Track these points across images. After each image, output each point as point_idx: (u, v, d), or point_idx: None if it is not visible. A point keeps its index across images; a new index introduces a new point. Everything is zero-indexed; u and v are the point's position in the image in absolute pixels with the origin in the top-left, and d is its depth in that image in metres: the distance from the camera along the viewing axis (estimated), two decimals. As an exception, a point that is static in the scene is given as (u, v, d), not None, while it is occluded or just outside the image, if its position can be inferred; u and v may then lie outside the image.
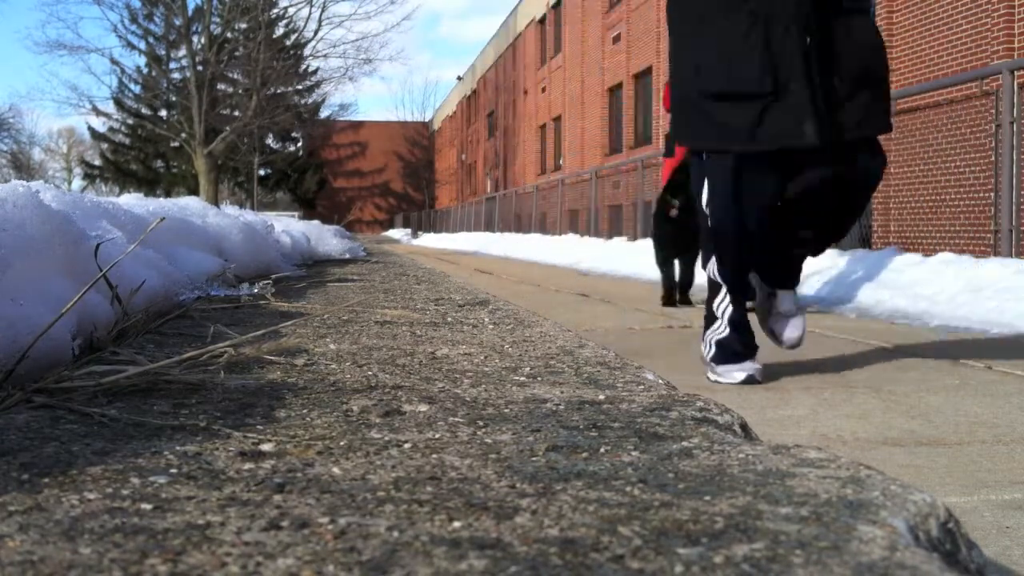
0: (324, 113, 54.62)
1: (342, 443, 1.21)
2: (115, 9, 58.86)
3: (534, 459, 1.13)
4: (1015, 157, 7.29)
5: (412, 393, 1.58)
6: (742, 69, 3.30)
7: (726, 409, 1.46)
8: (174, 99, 44.21)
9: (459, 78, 59.43)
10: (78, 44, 48.92)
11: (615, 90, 27.67)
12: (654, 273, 10.83)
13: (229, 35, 41.80)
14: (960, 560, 0.92)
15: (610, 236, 18.96)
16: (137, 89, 48.90)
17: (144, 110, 49.48)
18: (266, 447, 1.19)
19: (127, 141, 53.27)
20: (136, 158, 53.06)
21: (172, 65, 46.20)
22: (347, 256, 8.82)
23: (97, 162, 56.37)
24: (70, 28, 78.29)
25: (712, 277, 3.69)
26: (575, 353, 2.10)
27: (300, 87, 49.38)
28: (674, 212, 6.83)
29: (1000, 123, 7.51)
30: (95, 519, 0.89)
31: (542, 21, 37.67)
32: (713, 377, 3.60)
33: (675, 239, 7.10)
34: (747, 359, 3.58)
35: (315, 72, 48.94)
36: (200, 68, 40.73)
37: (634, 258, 12.63)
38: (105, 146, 54.75)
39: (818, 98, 3.26)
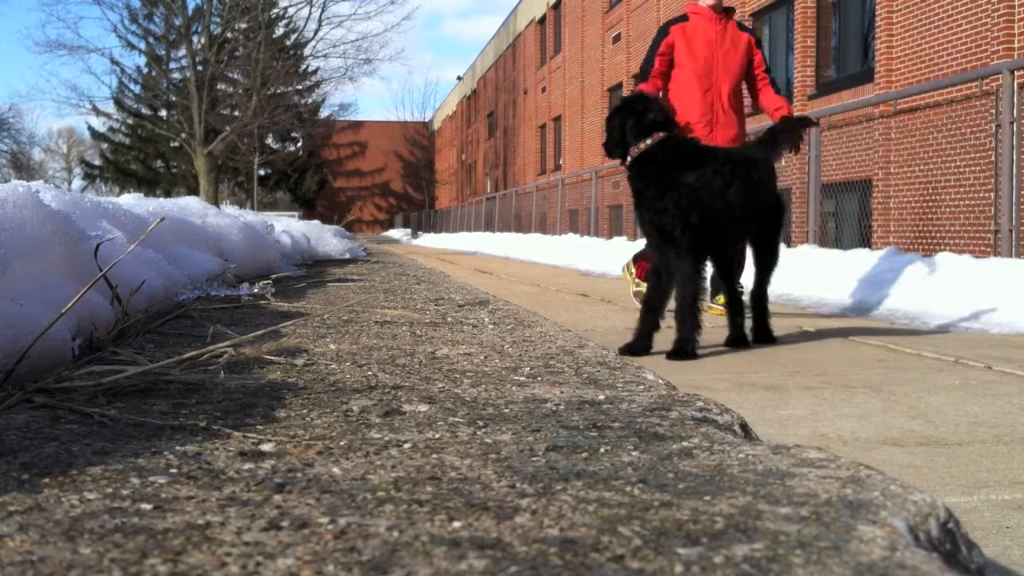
0: (324, 113, 54.61)
1: (342, 443, 1.21)
2: (115, 9, 59.05)
3: (534, 459, 1.13)
4: (1015, 157, 7.28)
5: (412, 393, 1.58)
6: None
7: (726, 409, 1.46)
8: (174, 99, 44.21)
9: (459, 78, 59.42)
10: (78, 44, 49.04)
11: (615, 90, 27.66)
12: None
13: (229, 35, 41.80)
14: (960, 560, 0.91)
15: (610, 236, 18.94)
16: (137, 89, 48.91)
17: (144, 110, 49.47)
18: (266, 447, 1.19)
19: (127, 141, 53.24)
20: (136, 158, 53.04)
21: (172, 65, 46.23)
22: (347, 256, 8.82)
23: (97, 162, 56.36)
24: (70, 28, 78.43)
25: None
26: (575, 353, 2.10)
27: (300, 87, 49.33)
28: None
29: (1000, 123, 7.50)
30: (95, 519, 0.89)
31: (542, 21, 37.65)
32: None
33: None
34: None
35: (315, 72, 48.95)
36: (200, 68, 40.73)
37: (634, 258, 12.59)
38: (105, 146, 54.74)
39: None
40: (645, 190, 4.14)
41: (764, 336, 4.53)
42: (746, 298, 4.70)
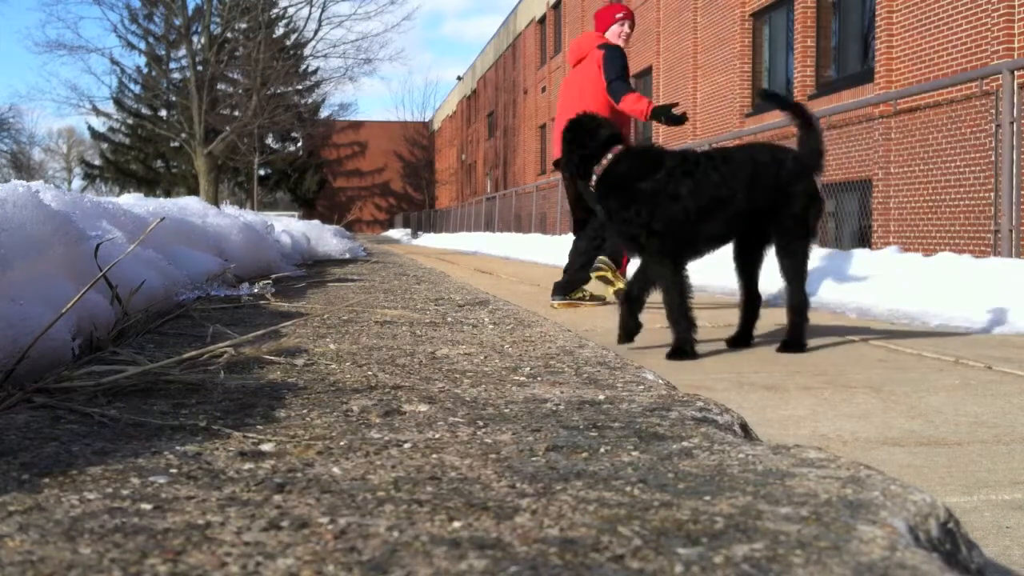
0: (324, 113, 54.64)
1: (342, 443, 1.21)
2: (115, 9, 59.22)
3: (534, 459, 1.13)
4: (1015, 157, 7.28)
5: (412, 393, 1.58)
6: None
7: (726, 409, 1.46)
8: (174, 99, 44.26)
9: (459, 78, 59.44)
10: (78, 44, 49.23)
11: (615, 90, 27.61)
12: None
13: (229, 35, 41.83)
14: (960, 560, 0.91)
15: (610, 236, 18.89)
16: (137, 89, 48.97)
17: (144, 110, 49.52)
18: (266, 447, 1.19)
19: (127, 141, 53.28)
20: (136, 158, 53.07)
21: (172, 65, 46.27)
22: (347, 256, 8.82)
23: (97, 162, 56.39)
24: (70, 28, 78.56)
25: None
26: (575, 353, 2.10)
27: (300, 87, 49.37)
28: None
29: (1000, 123, 7.50)
30: (95, 519, 0.89)
31: (542, 21, 37.69)
32: None
33: None
34: None
35: (315, 72, 48.99)
36: (200, 68, 40.76)
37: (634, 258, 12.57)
38: (105, 146, 54.78)
39: None
40: (608, 202, 4.27)
41: (786, 345, 4.35)
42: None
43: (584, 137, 4.36)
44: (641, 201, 4.14)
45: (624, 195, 4.18)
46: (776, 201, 4.35)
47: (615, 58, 6.44)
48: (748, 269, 4.53)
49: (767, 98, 4.76)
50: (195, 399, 1.49)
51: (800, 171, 4.41)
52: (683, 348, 4.07)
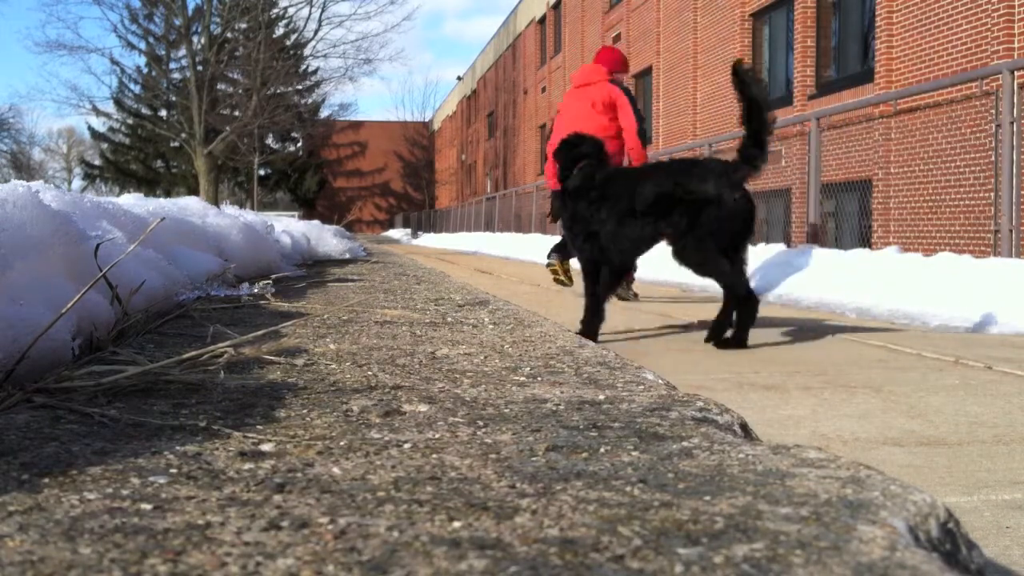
0: (324, 113, 54.60)
1: (342, 443, 1.21)
2: (115, 9, 59.26)
3: (534, 459, 1.13)
4: (1015, 157, 7.28)
5: (412, 393, 1.58)
6: None
7: (726, 409, 1.46)
8: (174, 99, 44.24)
9: (459, 78, 59.43)
10: (78, 44, 49.28)
11: (615, 90, 27.58)
12: (653, 274, 10.90)
13: (229, 35, 41.82)
14: (960, 560, 0.91)
15: (610, 236, 18.87)
16: (137, 89, 48.95)
17: (144, 110, 49.49)
18: (266, 447, 1.19)
19: (127, 141, 53.23)
20: (136, 158, 53.03)
21: (172, 65, 46.25)
22: (347, 256, 8.81)
23: (97, 162, 56.35)
24: (70, 28, 78.56)
25: None
26: (575, 353, 2.10)
27: (300, 87, 49.34)
28: None
29: (1000, 123, 7.50)
30: (95, 519, 0.89)
31: (542, 21, 37.69)
32: None
33: None
34: None
35: (315, 72, 48.97)
36: (200, 68, 40.76)
37: (634, 258, 12.55)
38: (105, 146, 54.74)
39: None
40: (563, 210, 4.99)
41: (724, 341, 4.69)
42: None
43: (568, 154, 5.05)
44: (568, 209, 4.87)
45: (565, 204, 4.93)
46: (680, 207, 4.62)
47: (635, 103, 7.36)
48: (730, 272, 4.74)
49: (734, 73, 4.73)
50: (195, 399, 1.49)
51: (701, 177, 4.60)
52: (587, 330, 4.69)
